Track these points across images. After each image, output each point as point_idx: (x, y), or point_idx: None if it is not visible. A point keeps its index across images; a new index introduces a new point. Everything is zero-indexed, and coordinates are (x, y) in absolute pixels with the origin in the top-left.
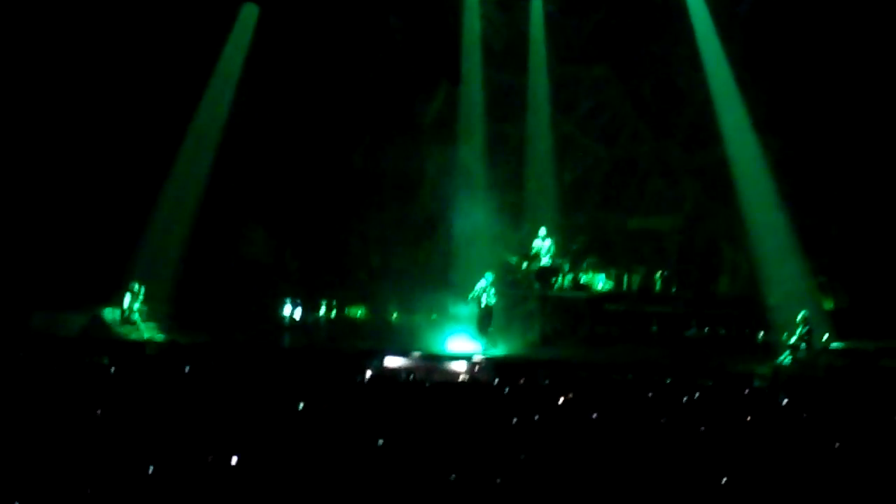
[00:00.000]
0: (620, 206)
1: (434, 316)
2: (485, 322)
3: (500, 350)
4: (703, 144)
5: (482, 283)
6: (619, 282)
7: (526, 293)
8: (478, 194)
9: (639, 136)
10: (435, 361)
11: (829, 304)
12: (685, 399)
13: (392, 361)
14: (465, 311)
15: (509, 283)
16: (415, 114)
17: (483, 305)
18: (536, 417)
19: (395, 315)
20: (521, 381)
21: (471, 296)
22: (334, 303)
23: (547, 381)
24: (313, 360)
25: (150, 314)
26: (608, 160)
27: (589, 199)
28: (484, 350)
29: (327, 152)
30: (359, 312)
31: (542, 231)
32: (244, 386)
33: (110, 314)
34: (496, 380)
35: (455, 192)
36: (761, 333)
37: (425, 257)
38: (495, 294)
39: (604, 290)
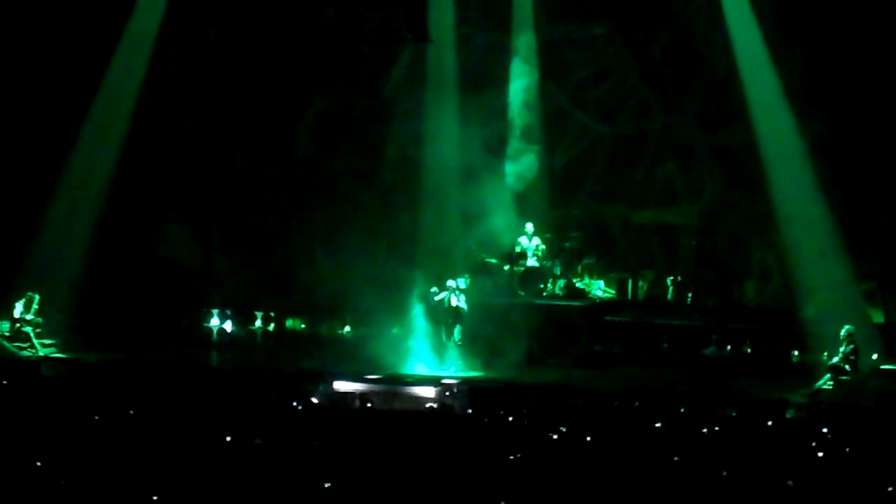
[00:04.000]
0: (625, 195)
1: (396, 329)
2: (451, 331)
3: (476, 371)
4: (726, 121)
5: (451, 284)
6: (622, 288)
7: (508, 302)
8: (449, 180)
9: (647, 110)
10: (396, 386)
11: (878, 317)
12: (703, 433)
13: (343, 385)
14: (426, 314)
15: (488, 289)
16: (372, 81)
17: (450, 307)
18: (518, 456)
19: (347, 328)
20: (502, 412)
21: (433, 296)
22: (273, 313)
23: (533, 411)
24: (247, 383)
25: (47, 327)
26: (610, 139)
27: (586, 186)
28: (446, 367)
29: (263, 129)
30: (303, 325)
31: (529, 227)
32: (163, 415)
33: None
34: (470, 409)
35: (422, 176)
36: (796, 353)
37: (384, 257)
38: (467, 301)
39: (604, 299)
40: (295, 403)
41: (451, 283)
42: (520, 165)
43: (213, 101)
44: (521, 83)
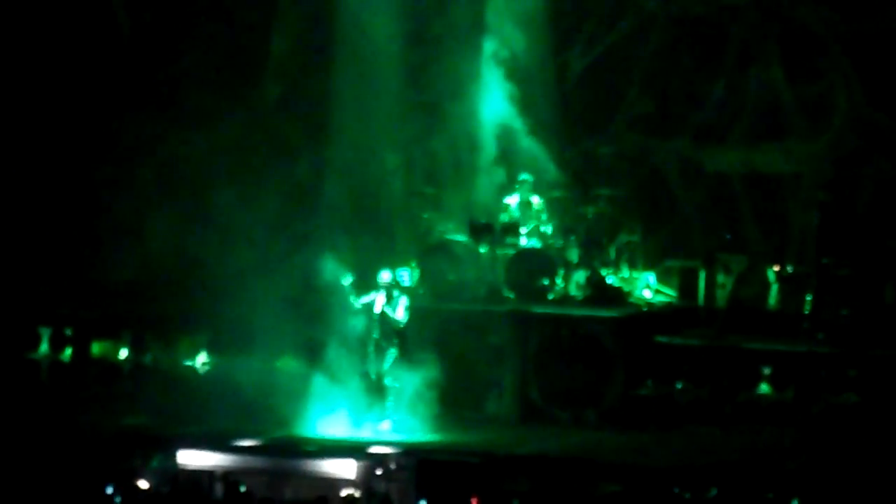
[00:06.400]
0: (692, 123)
1: (286, 359)
2: (383, 360)
3: (430, 433)
4: None
5: (385, 277)
6: (688, 287)
7: (484, 309)
8: (374, 84)
9: None
10: (288, 459)
11: None
12: None
13: (195, 457)
14: (340, 330)
15: (447, 286)
16: None
17: (382, 317)
18: None
19: (202, 358)
20: None
21: (355, 301)
22: (68, 331)
23: None
24: (19, 451)
25: None
26: (666, 22)
27: (624, 105)
28: (376, 424)
29: None
30: (123, 351)
31: (524, 176)
32: None
33: None
34: (419, 500)
35: (332, 76)
36: None
37: (264, 227)
38: (409, 309)
39: (656, 305)
40: (110, 492)
41: (384, 275)
42: (507, 55)
43: None
44: None
